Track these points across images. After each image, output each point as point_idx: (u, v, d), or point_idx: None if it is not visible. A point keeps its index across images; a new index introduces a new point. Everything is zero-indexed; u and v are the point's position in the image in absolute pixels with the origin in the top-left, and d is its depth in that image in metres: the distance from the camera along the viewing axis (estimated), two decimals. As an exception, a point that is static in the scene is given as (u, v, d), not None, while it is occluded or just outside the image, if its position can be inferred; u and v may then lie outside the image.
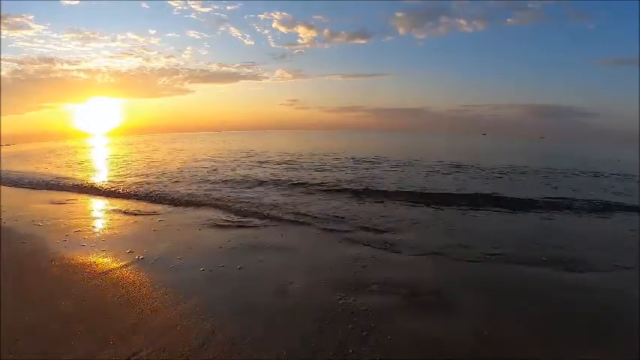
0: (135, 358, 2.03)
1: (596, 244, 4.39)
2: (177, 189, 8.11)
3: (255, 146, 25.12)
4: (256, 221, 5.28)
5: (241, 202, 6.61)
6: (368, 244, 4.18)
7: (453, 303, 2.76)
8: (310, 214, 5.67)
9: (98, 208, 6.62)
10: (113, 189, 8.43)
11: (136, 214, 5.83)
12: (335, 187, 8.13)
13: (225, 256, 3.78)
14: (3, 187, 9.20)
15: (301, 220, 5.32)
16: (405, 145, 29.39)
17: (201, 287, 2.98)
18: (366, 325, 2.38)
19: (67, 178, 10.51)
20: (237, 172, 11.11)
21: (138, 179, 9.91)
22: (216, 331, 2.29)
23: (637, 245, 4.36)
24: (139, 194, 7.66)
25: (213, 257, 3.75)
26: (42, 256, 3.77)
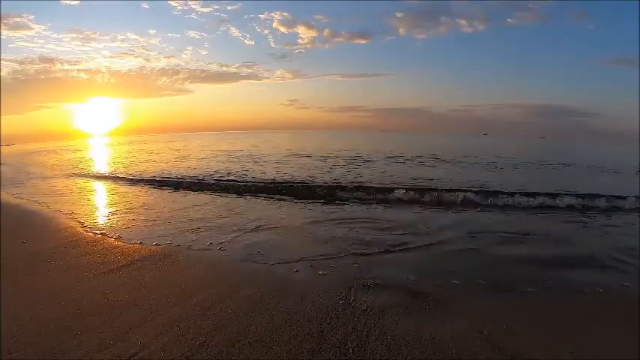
0: (135, 358, 2.03)
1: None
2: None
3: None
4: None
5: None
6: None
7: (454, 302, 2.75)
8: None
9: (96, 208, 6.61)
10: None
11: (135, 215, 5.84)
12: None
13: (225, 255, 3.79)
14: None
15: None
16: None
17: (201, 287, 2.98)
18: (367, 325, 2.38)
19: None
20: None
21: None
22: (216, 332, 2.29)
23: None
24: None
25: (213, 255, 3.76)
26: (42, 256, 3.77)
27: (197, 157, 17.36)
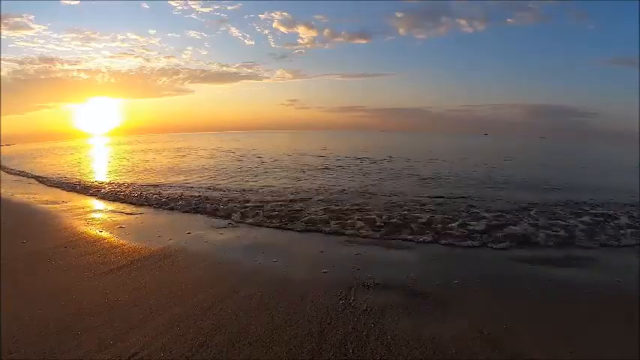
0: (135, 358, 2.03)
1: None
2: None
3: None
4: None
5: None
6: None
7: (454, 302, 2.75)
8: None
9: (97, 208, 6.61)
10: (122, 190, 8.42)
11: (134, 214, 5.83)
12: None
13: (225, 255, 3.79)
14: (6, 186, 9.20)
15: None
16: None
17: (201, 287, 2.98)
18: (367, 325, 2.38)
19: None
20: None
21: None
22: (216, 332, 2.29)
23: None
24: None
25: (213, 255, 3.75)
26: (42, 256, 3.77)
27: (196, 157, 17.37)
